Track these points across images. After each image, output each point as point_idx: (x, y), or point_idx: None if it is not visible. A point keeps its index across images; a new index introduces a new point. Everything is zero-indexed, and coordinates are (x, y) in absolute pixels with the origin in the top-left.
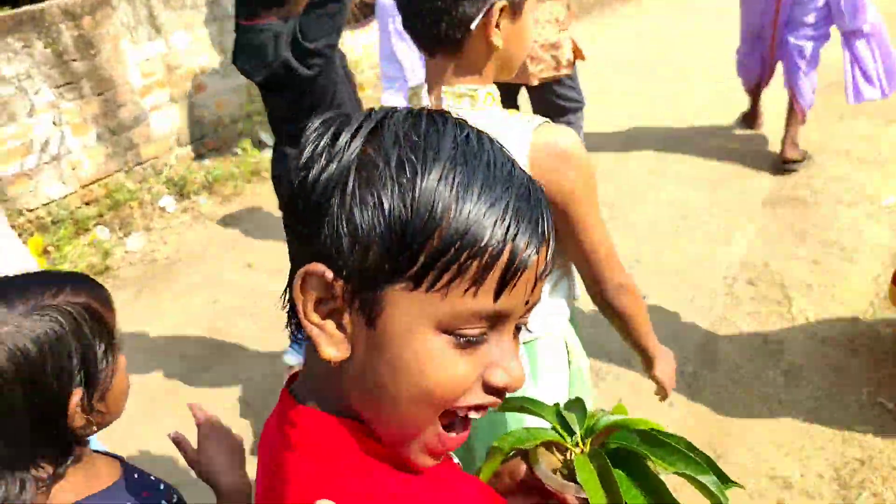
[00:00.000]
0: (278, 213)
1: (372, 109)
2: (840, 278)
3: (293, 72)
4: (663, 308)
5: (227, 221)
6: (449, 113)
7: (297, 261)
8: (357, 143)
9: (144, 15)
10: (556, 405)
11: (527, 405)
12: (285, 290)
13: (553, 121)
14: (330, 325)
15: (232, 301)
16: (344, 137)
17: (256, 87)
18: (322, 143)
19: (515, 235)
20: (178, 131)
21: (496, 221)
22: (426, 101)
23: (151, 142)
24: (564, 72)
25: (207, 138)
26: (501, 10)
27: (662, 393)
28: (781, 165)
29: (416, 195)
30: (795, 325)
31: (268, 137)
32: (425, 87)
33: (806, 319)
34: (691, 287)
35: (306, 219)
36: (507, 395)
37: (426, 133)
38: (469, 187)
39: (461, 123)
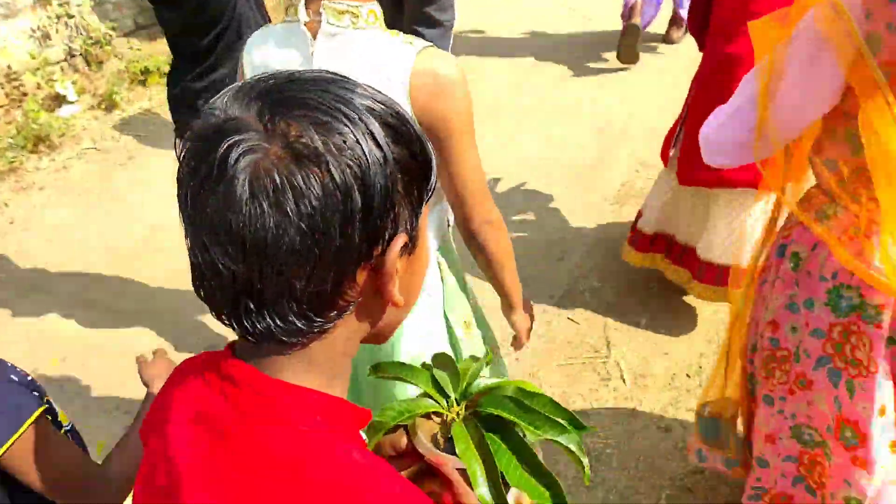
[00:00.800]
0: (61, 195)
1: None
2: (678, 317)
3: None
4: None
5: None
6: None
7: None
8: (382, 146)
9: None
10: (428, 367)
11: (401, 374)
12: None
13: (424, 33)
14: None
15: None
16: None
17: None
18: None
19: None
20: None
21: None
22: (303, 14)
23: None
24: None
25: None
26: None
27: (517, 343)
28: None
29: (413, 137)
30: (609, 387)
31: (71, 92)
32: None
33: (622, 381)
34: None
35: (361, 228)
36: (383, 362)
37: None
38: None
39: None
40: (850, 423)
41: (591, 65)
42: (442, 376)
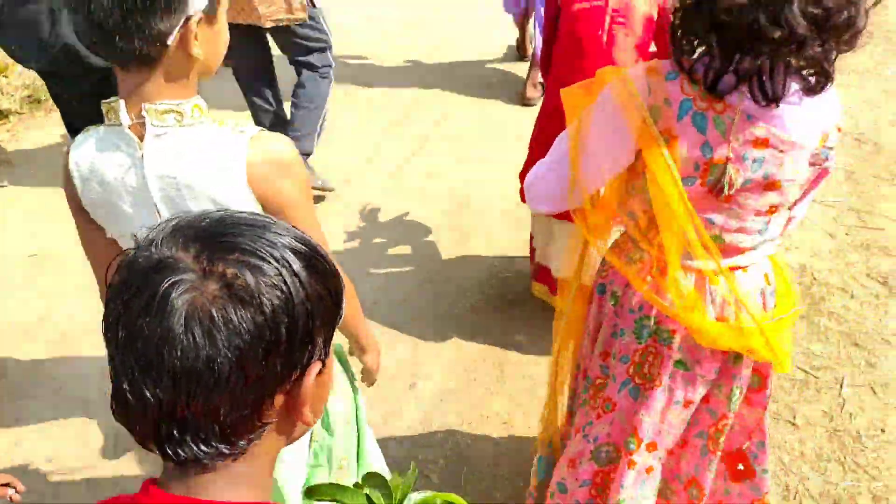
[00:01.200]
0: None
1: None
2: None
3: (81, 59)
4: None
5: None
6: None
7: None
8: (302, 280)
9: None
10: (360, 487)
11: (336, 496)
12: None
13: (298, 59)
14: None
15: None
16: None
17: None
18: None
19: None
20: None
21: None
22: (125, 117)
23: None
24: (299, 15)
25: None
26: (198, 21)
27: (370, 378)
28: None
29: (329, 273)
30: None
31: None
32: (122, 102)
33: None
34: None
35: (284, 359)
36: (317, 485)
37: (276, 252)
38: None
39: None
40: (633, 431)
41: (454, 122)
42: (375, 495)
